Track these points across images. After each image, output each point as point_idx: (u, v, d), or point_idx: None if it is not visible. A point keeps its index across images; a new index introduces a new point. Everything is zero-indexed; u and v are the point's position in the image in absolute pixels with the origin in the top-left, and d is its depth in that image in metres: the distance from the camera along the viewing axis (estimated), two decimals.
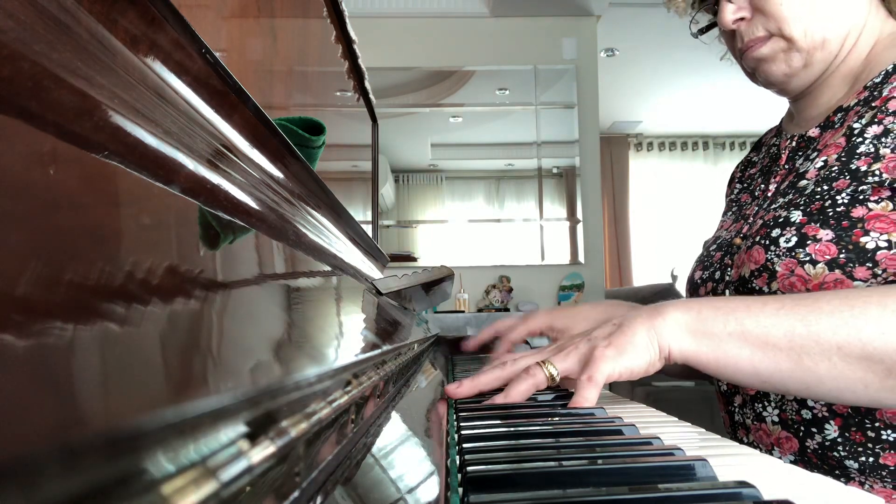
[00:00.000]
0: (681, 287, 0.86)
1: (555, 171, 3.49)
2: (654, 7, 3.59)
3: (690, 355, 0.55)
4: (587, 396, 0.54)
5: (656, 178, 5.67)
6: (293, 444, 0.19)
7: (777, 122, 0.92)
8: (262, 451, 0.16)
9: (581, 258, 3.35)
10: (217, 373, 0.18)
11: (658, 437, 0.38)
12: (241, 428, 0.16)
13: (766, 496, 0.27)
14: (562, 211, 3.46)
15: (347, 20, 1.13)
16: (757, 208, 0.78)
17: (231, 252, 0.28)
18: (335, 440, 0.26)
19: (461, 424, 0.44)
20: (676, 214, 5.59)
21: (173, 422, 0.13)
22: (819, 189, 0.66)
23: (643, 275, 5.38)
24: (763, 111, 5.04)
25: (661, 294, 2.75)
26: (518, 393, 0.57)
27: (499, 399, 0.57)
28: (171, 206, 0.23)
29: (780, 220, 0.67)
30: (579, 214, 3.39)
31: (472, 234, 3.50)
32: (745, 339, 0.54)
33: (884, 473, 0.61)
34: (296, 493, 0.19)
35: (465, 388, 0.61)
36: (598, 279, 3.35)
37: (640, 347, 0.55)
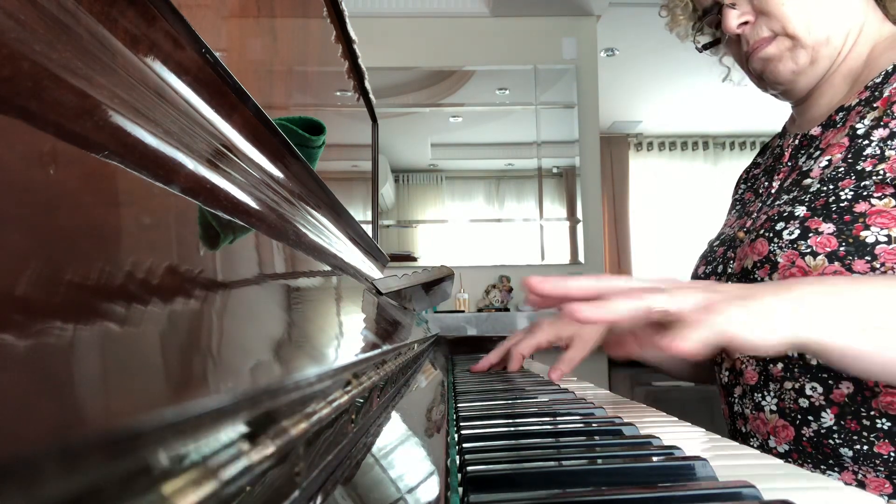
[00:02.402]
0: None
1: (555, 171, 3.49)
2: (654, 7, 3.57)
3: (828, 344, 0.48)
4: (690, 335, 0.43)
5: (656, 178, 5.67)
6: (293, 444, 0.19)
7: (780, 125, 0.93)
8: (262, 451, 0.16)
9: (581, 258, 3.35)
10: (217, 373, 0.18)
11: (657, 437, 0.38)
12: (241, 428, 0.16)
13: (766, 496, 0.27)
14: (562, 211, 3.46)
15: (347, 20, 1.12)
16: (761, 205, 0.79)
17: (231, 252, 0.28)
18: (335, 440, 0.26)
19: (461, 424, 0.44)
20: (676, 214, 5.58)
21: (173, 422, 0.13)
22: (825, 188, 0.67)
23: (643, 275, 5.37)
24: (763, 111, 5.03)
25: None
26: (616, 310, 0.46)
27: (587, 311, 0.46)
28: (171, 206, 0.23)
29: (785, 214, 0.68)
30: (579, 214, 3.39)
31: (472, 234, 3.50)
32: (883, 332, 0.48)
33: (877, 462, 0.62)
34: (296, 493, 0.19)
35: (548, 285, 0.52)
36: None
37: (771, 320, 0.46)
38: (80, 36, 0.19)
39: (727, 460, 0.38)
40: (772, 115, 5.04)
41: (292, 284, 0.36)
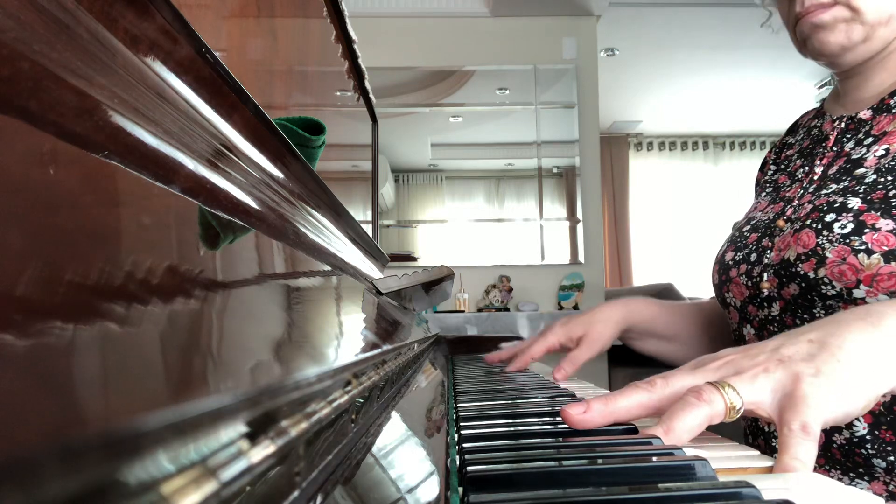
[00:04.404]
0: (705, 271, 0.83)
1: (555, 170, 3.49)
2: (654, 7, 3.59)
3: None
4: (803, 457, 0.37)
5: (656, 178, 5.67)
6: (293, 444, 0.19)
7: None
8: (262, 451, 0.16)
9: (581, 258, 3.35)
10: (217, 373, 0.18)
11: (658, 437, 0.38)
12: (241, 428, 0.16)
13: (766, 496, 0.27)
14: (562, 211, 3.46)
15: (347, 20, 1.12)
16: (802, 191, 0.75)
17: (231, 252, 0.28)
18: (335, 440, 0.26)
19: (461, 424, 0.44)
20: (676, 214, 5.59)
21: (173, 422, 0.13)
22: (882, 179, 0.64)
23: (643, 275, 5.38)
24: (763, 111, 5.04)
25: (660, 294, 2.75)
26: (685, 428, 0.39)
27: (658, 432, 0.39)
28: (171, 206, 0.23)
29: (836, 205, 0.65)
30: (579, 214, 3.39)
31: (473, 233, 3.50)
32: None
33: None
34: (296, 493, 0.19)
35: (594, 413, 0.42)
36: (598, 279, 3.35)
37: (859, 380, 0.41)
38: (80, 36, 0.19)
39: (731, 462, 0.38)
40: (772, 115, 5.05)
41: (292, 284, 0.36)
